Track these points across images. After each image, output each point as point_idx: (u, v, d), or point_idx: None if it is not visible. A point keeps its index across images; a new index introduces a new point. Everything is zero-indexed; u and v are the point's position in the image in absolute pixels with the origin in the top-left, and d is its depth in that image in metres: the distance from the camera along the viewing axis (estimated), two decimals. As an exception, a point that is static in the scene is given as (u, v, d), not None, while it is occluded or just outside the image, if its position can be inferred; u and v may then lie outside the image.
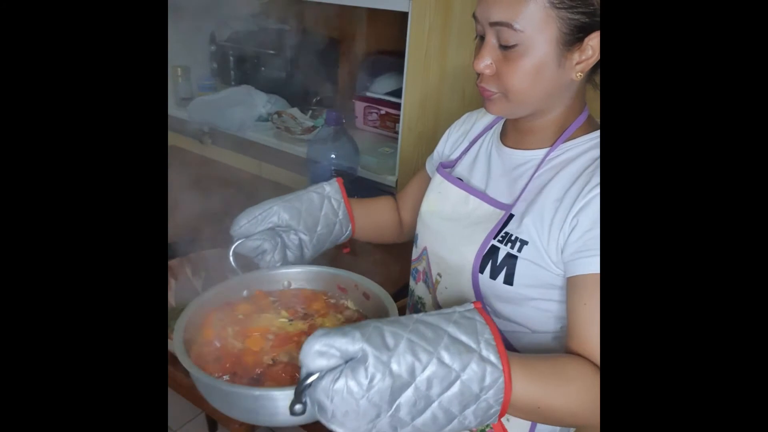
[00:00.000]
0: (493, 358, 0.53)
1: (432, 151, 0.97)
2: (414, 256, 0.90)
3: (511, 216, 0.73)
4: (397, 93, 1.54)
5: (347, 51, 1.95)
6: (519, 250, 0.71)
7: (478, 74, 0.72)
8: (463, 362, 0.52)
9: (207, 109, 1.84)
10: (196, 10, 2.01)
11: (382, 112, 1.75)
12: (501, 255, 0.72)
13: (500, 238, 0.73)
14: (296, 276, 0.84)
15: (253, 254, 0.83)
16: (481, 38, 0.71)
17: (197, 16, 2.03)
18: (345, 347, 0.50)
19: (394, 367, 0.50)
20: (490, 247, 0.73)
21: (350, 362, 0.50)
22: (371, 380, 0.49)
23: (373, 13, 1.75)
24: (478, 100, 0.77)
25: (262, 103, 1.86)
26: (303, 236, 0.86)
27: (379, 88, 1.78)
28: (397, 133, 1.49)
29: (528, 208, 0.72)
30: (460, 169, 0.86)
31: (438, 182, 0.86)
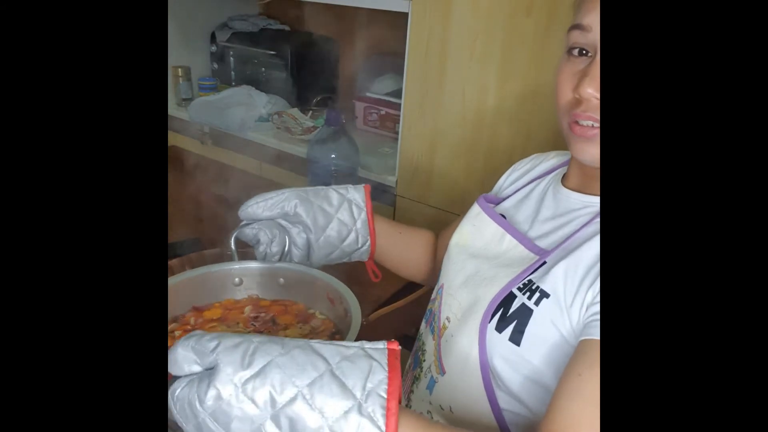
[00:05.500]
0: (378, 415, 0.43)
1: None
2: (432, 295, 0.79)
3: (544, 264, 0.62)
4: (397, 93, 1.54)
5: (347, 51, 1.95)
6: (536, 303, 0.59)
7: (577, 102, 0.57)
8: (336, 410, 0.43)
9: (207, 109, 1.84)
10: (196, 10, 2.02)
11: (382, 112, 1.75)
12: (515, 305, 0.61)
13: (521, 286, 0.62)
14: (288, 274, 0.80)
15: (251, 243, 0.81)
16: (581, 52, 0.58)
17: (197, 17, 2.04)
18: (202, 357, 0.45)
19: (248, 390, 0.43)
20: (507, 294, 0.62)
21: (203, 373, 0.46)
22: (214, 398, 0.43)
23: (373, 14, 1.76)
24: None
25: (262, 103, 1.86)
26: (310, 234, 0.79)
27: (379, 88, 1.78)
28: (397, 133, 1.49)
29: (564, 257, 0.60)
30: (506, 206, 0.76)
31: (475, 213, 0.76)
